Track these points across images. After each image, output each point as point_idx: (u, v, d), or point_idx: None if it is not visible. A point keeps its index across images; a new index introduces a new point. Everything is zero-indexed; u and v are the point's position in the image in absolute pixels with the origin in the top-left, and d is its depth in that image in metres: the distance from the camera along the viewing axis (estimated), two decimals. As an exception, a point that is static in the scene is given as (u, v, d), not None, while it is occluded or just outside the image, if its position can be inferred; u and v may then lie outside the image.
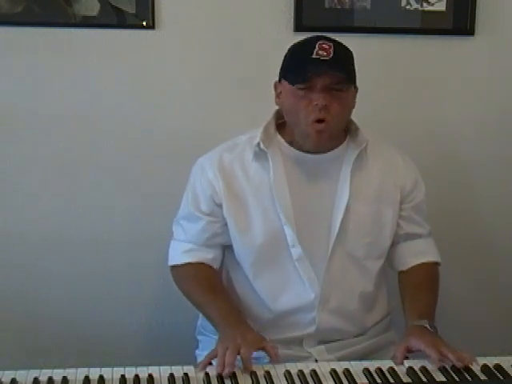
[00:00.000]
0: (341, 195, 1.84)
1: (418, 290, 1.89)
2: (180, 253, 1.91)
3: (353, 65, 1.82)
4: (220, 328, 1.76)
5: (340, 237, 1.84)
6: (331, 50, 1.74)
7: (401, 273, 1.96)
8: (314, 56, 1.73)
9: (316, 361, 1.81)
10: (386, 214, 1.89)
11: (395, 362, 1.66)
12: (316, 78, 1.73)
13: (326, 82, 1.73)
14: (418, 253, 1.95)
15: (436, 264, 1.97)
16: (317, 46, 1.74)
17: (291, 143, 1.86)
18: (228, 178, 1.86)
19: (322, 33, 2.09)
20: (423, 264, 1.94)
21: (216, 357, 1.63)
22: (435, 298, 1.90)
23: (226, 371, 1.58)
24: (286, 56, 1.85)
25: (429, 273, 1.94)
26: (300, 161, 1.85)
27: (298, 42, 1.84)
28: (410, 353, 1.70)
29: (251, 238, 1.85)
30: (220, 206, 1.86)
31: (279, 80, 1.85)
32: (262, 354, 1.68)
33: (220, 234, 1.88)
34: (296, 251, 1.82)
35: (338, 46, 1.78)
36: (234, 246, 1.88)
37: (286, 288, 1.85)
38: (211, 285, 1.87)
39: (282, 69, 1.85)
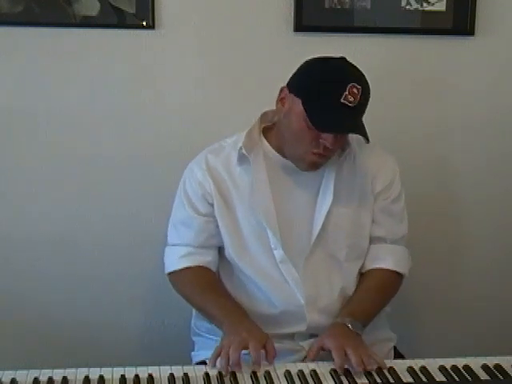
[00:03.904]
0: (323, 199, 1.85)
1: (361, 292, 1.87)
2: (177, 258, 1.90)
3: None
4: (224, 325, 1.75)
5: (321, 239, 1.85)
6: (359, 96, 1.71)
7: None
8: (342, 100, 1.70)
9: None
10: (364, 214, 1.89)
11: (306, 358, 1.67)
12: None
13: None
14: (375, 258, 1.91)
15: (393, 272, 1.91)
16: (347, 90, 1.70)
17: (278, 149, 1.87)
18: (216, 178, 1.87)
19: (322, 33, 2.09)
20: (377, 269, 1.90)
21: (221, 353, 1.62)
22: (378, 304, 1.87)
23: (232, 368, 1.58)
24: (311, 77, 1.77)
25: (380, 278, 1.90)
26: (284, 165, 1.86)
27: (329, 72, 1.75)
28: (322, 351, 1.67)
29: (239, 239, 1.86)
30: (212, 205, 1.87)
31: (289, 90, 1.80)
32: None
33: (215, 234, 1.89)
34: (278, 253, 1.83)
35: (366, 87, 1.74)
36: (225, 247, 1.89)
37: (274, 289, 1.85)
38: (212, 286, 1.87)
39: (301, 87, 1.78)
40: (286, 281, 1.84)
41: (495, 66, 2.36)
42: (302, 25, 2.21)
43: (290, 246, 1.84)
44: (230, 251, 1.88)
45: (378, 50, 2.28)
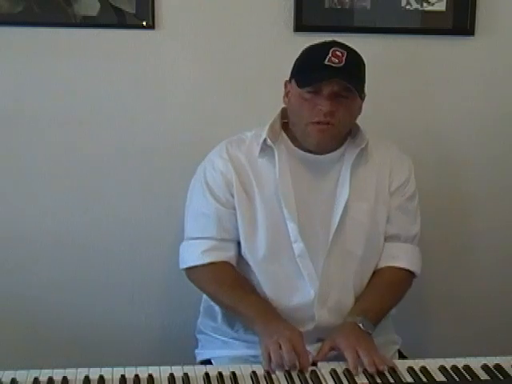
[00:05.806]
0: (340, 194, 1.86)
1: (373, 289, 1.88)
2: (199, 253, 1.87)
3: (363, 74, 1.85)
4: (259, 324, 1.73)
5: (339, 234, 1.85)
6: (343, 58, 1.76)
7: None
8: (326, 62, 1.76)
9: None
10: (380, 211, 1.90)
11: (314, 358, 1.66)
12: (324, 84, 1.77)
13: (333, 89, 1.77)
14: (388, 256, 1.92)
15: (406, 271, 1.92)
16: (330, 53, 1.76)
17: (296, 142, 1.89)
18: (238, 168, 1.88)
19: (322, 33, 2.10)
20: (390, 267, 1.91)
21: (270, 356, 1.61)
22: (390, 302, 1.88)
23: (288, 368, 1.59)
24: (298, 57, 1.87)
25: (393, 277, 1.90)
26: (303, 159, 1.88)
27: (312, 46, 1.86)
28: (333, 351, 1.68)
29: (256, 231, 1.86)
30: (233, 196, 1.87)
31: (289, 80, 1.88)
32: None
33: (237, 227, 1.87)
34: (298, 247, 1.83)
35: (352, 54, 1.80)
36: (241, 240, 1.88)
37: (287, 284, 1.85)
38: (239, 283, 1.85)
39: (293, 69, 1.88)
40: (302, 275, 1.84)
41: (495, 65, 2.36)
42: (302, 25, 2.21)
43: (309, 239, 1.84)
44: (245, 244, 1.87)
45: (378, 50, 2.28)
